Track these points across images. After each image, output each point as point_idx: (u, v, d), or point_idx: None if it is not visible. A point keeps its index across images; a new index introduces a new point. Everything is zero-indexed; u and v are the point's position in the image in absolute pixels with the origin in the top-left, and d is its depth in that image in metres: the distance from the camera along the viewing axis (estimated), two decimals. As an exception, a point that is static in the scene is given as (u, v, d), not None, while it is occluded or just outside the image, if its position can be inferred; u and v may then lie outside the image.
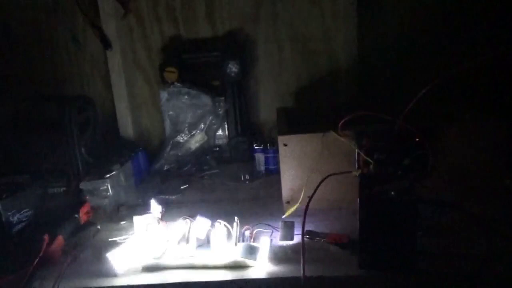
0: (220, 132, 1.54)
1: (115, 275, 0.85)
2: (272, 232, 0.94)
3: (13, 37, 1.59)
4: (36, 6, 1.57)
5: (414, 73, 1.43)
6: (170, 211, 1.11)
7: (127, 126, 1.61)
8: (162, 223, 0.94)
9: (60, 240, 0.93)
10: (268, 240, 0.89)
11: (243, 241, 0.89)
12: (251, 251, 0.84)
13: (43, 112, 1.34)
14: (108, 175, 1.17)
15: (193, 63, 1.52)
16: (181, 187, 1.32)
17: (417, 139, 0.86)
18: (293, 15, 1.52)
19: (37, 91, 1.61)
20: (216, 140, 1.55)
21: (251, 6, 1.53)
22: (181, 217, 0.93)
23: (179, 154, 1.49)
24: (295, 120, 1.19)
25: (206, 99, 1.46)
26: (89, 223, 1.04)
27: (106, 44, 1.53)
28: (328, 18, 1.50)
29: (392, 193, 0.78)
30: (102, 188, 1.14)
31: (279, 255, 0.88)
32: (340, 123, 0.96)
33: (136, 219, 0.95)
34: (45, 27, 1.59)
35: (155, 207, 0.96)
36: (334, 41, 1.52)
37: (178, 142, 1.49)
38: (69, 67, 1.63)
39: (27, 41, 1.60)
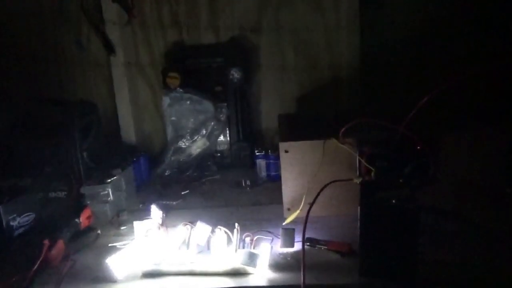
0: (221, 138, 1.54)
1: (115, 281, 0.85)
2: (272, 239, 0.94)
3: (18, 41, 1.61)
4: (42, 10, 1.59)
5: (416, 81, 1.43)
6: (170, 216, 1.11)
7: (129, 131, 1.62)
8: (162, 229, 0.94)
9: (60, 244, 0.93)
10: (269, 247, 0.89)
11: (243, 247, 0.89)
12: (251, 258, 0.84)
13: (45, 116, 1.35)
14: (109, 180, 1.17)
15: (196, 69, 1.53)
16: (182, 193, 1.32)
17: (418, 147, 0.86)
18: (296, 23, 1.52)
19: (41, 95, 1.62)
20: (218, 146, 1.55)
21: (254, 13, 1.53)
22: (181, 222, 0.93)
23: (181, 159, 1.49)
24: (297, 127, 1.20)
25: (208, 105, 1.47)
26: (90, 228, 1.04)
27: (109, 49, 1.54)
28: (331, 26, 1.51)
29: (393, 201, 0.78)
30: (103, 192, 1.14)
31: (279, 262, 0.87)
32: (342, 130, 0.96)
33: (137, 224, 0.95)
34: (50, 31, 1.61)
35: (156, 212, 0.96)
36: (337, 48, 1.52)
37: (180, 148, 1.49)
38: (72, 71, 1.64)
39: (32, 44, 1.61)
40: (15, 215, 1.01)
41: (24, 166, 1.20)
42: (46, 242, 0.89)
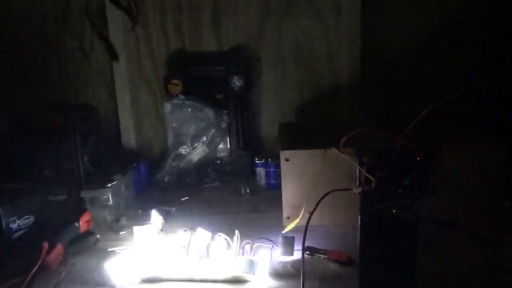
0: (222, 145, 1.54)
1: (113, 286, 0.85)
2: (272, 247, 0.94)
3: (21, 45, 1.61)
4: (45, 15, 1.60)
5: (417, 91, 1.44)
6: (170, 222, 1.11)
7: (130, 136, 1.62)
8: (162, 234, 0.94)
9: (59, 248, 0.92)
10: (268, 254, 0.89)
11: (243, 255, 0.89)
12: (251, 266, 0.84)
13: (47, 120, 1.35)
14: (109, 185, 1.17)
15: (198, 76, 1.53)
16: (182, 199, 1.32)
17: (418, 158, 0.86)
18: (297, 32, 1.54)
19: (42, 98, 1.62)
20: (218, 153, 1.55)
21: (256, 22, 1.55)
22: (181, 228, 0.93)
23: (181, 166, 1.49)
24: (297, 136, 1.20)
25: (209, 112, 1.48)
26: (89, 232, 1.04)
27: (112, 55, 1.55)
28: (332, 35, 1.52)
29: (393, 211, 0.78)
30: (103, 197, 1.14)
31: (278, 270, 0.87)
32: (342, 140, 0.96)
33: (136, 229, 0.95)
34: (53, 36, 1.61)
35: (156, 217, 0.96)
36: (338, 58, 1.54)
37: (180, 154, 1.49)
38: (75, 76, 1.64)
39: (35, 49, 1.62)
40: (14, 217, 1.01)
41: (24, 170, 1.21)
42: (45, 245, 0.89)
